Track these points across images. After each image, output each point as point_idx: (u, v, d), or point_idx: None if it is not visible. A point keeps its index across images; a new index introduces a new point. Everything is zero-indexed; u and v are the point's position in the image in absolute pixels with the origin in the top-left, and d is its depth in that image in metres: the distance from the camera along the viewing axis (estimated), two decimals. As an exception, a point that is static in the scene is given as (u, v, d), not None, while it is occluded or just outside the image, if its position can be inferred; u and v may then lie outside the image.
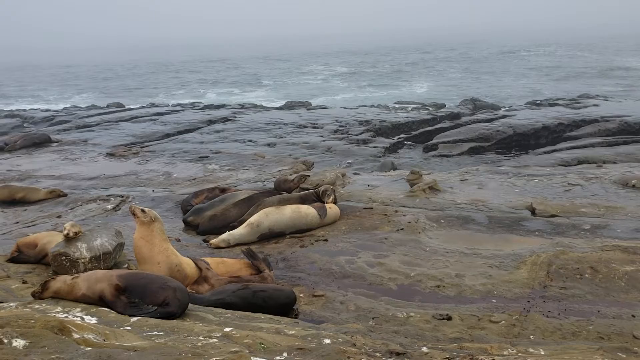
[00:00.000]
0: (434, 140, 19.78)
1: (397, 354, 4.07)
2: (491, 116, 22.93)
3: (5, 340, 3.60)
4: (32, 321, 3.96)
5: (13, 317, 4.04)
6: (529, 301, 6.29)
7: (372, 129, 21.73)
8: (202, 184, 12.71)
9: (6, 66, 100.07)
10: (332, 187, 10.23)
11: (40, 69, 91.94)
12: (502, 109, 26.91)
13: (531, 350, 4.42)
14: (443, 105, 30.39)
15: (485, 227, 8.80)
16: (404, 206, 9.99)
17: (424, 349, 4.21)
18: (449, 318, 5.91)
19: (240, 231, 8.81)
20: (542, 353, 4.33)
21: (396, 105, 31.02)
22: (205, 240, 9.03)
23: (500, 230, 8.63)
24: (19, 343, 3.59)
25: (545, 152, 17.95)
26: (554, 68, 63.15)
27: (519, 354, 4.12)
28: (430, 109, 28.41)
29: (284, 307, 6.09)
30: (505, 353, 4.20)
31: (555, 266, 7.02)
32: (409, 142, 20.79)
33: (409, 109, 28.50)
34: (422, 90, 52.03)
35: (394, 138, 20.84)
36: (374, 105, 31.17)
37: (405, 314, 6.06)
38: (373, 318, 6.02)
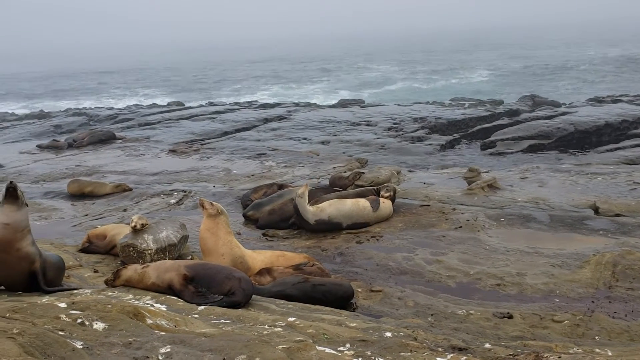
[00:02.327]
0: (492, 138, 19.36)
1: (460, 349, 4.09)
2: (551, 113, 22.24)
3: (87, 323, 3.84)
4: (109, 306, 4.20)
5: (92, 302, 4.30)
6: (593, 301, 6.14)
7: (427, 126, 21.48)
8: (260, 180, 12.98)
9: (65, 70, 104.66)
10: (394, 185, 10.25)
11: (94, 72, 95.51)
12: (563, 106, 26.05)
13: (597, 350, 4.33)
14: (501, 102, 29.72)
15: (547, 225, 8.63)
16: (461, 204, 9.90)
17: (487, 345, 4.20)
18: (510, 316, 5.85)
19: (309, 207, 9.02)
20: (610, 354, 4.23)
21: (452, 102, 30.57)
22: (264, 234, 9.25)
23: (563, 229, 8.44)
24: (99, 326, 3.82)
25: (608, 150, 17.27)
26: (619, 62, 60.57)
27: (586, 354, 4.05)
28: (488, 105, 27.80)
29: (342, 300, 6.17)
30: (570, 352, 4.14)
31: (621, 266, 6.82)
32: (466, 140, 20.46)
33: (466, 105, 27.97)
34: (481, 80, 51.12)
35: (450, 135, 20.55)
36: (429, 102, 30.82)
37: (465, 311, 6.03)
38: (432, 314, 6.02)
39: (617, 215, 8.96)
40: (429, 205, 9.85)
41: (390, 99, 39.27)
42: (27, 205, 5.35)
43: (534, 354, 3.81)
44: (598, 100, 26.95)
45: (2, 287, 5.33)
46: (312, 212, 9.08)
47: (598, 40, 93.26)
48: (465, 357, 3.81)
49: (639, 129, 19.31)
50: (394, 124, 22.09)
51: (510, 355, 3.92)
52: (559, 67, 60.60)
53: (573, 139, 19.15)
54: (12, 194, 5.05)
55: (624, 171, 12.14)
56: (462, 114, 23.32)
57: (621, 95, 27.99)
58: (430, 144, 18.85)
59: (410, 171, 13.80)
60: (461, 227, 8.66)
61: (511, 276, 6.84)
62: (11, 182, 5.13)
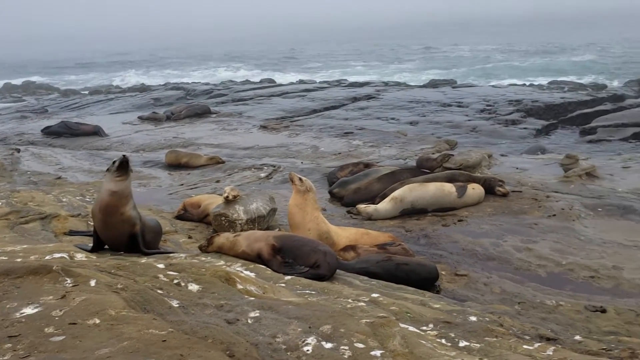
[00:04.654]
0: (593, 124, 18.23)
1: (548, 339, 3.96)
2: (662, 99, 20.60)
3: (183, 284, 4.08)
4: (203, 270, 4.43)
5: (187, 265, 4.56)
6: (699, 301, 5.73)
7: (523, 109, 20.55)
8: (346, 159, 13.05)
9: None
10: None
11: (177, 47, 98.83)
12: (676, 92, 24.01)
13: (702, 353, 4.04)
14: (604, 86, 27.88)
15: (650, 219, 8.08)
16: (556, 192, 9.48)
17: (578, 337, 4.04)
18: (604, 311, 5.59)
19: (384, 206, 8.95)
20: None
21: (550, 85, 29.03)
22: (349, 212, 9.33)
23: (668, 224, 7.87)
24: (193, 287, 4.05)
25: None
26: None
27: (688, 355, 3.79)
28: (590, 89, 26.16)
29: (425, 281, 6.14)
30: (671, 352, 3.89)
31: None
32: (564, 125, 19.42)
33: (565, 89, 26.45)
34: (584, 62, 48.22)
35: (547, 120, 19.57)
36: (525, 85, 29.47)
37: (554, 302, 5.83)
38: (519, 303, 5.87)
39: None
40: (521, 192, 9.51)
41: (483, 80, 37.94)
42: (132, 170, 5.75)
43: (630, 350, 3.63)
44: None
45: (106, 247, 5.76)
46: (392, 208, 8.94)
47: None
48: (553, 348, 3.69)
49: None
50: (487, 105, 21.34)
51: (602, 349, 3.75)
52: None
53: (686, 128, 17.65)
54: (125, 167, 5.44)
55: None
56: (561, 98, 22.12)
57: None
58: (525, 128, 18.07)
59: (502, 155, 13.32)
60: (555, 215, 8.31)
61: (607, 269, 6.51)
62: (124, 156, 5.52)
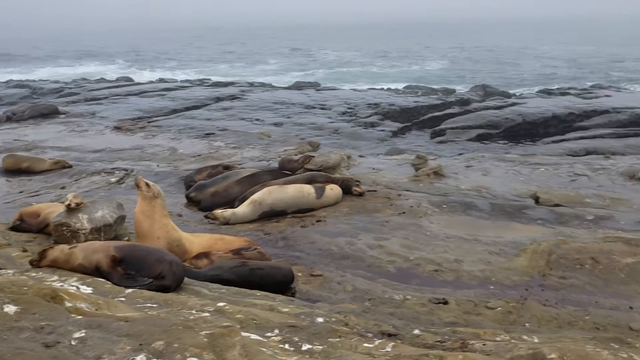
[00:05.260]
0: (442, 126, 19.59)
1: (389, 335, 4.07)
2: (501, 103, 22.66)
3: (-3, 306, 3.62)
4: (25, 288, 3.98)
5: (7, 284, 4.06)
6: (527, 289, 6.28)
7: (381, 112, 21.55)
8: (207, 161, 12.71)
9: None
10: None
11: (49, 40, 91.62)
12: (513, 97, 26.57)
13: (525, 337, 4.40)
14: (453, 91, 30.07)
15: (488, 213, 8.76)
16: (407, 190, 9.95)
17: (417, 331, 4.20)
18: (446, 302, 5.92)
19: (243, 210, 8.80)
20: (536, 340, 4.31)
21: (406, 89, 30.77)
22: (206, 217, 9.04)
23: (503, 218, 8.58)
24: (10, 309, 3.60)
25: (553, 142, 17.75)
26: (571, 58, 62.22)
27: (512, 340, 4.11)
28: (440, 94, 28.08)
29: (281, 285, 6.07)
30: (497, 339, 4.18)
31: (556, 255, 6.99)
32: (417, 127, 20.65)
33: (419, 93, 28.20)
34: (436, 68, 51.76)
35: (402, 122, 20.69)
36: (383, 89, 30.91)
37: (402, 296, 6.06)
38: (369, 299, 6.02)
39: (556, 205, 9.18)
40: (375, 191, 9.86)
41: (346, 84, 39.28)
42: None
43: (460, 341, 3.83)
44: (547, 92, 27.66)
45: None
46: (250, 211, 8.83)
47: (557, 38, 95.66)
48: (393, 343, 3.79)
49: (585, 121, 19.91)
50: (349, 108, 22.08)
51: (437, 341, 3.93)
52: (512, 58, 61.83)
53: (521, 130, 19.57)
54: None
55: (566, 162, 12.46)
56: (415, 102, 23.50)
57: (569, 88, 28.77)
58: (382, 130, 18.95)
59: (361, 156, 13.79)
60: (404, 212, 8.70)
61: (449, 262, 6.92)
62: None
